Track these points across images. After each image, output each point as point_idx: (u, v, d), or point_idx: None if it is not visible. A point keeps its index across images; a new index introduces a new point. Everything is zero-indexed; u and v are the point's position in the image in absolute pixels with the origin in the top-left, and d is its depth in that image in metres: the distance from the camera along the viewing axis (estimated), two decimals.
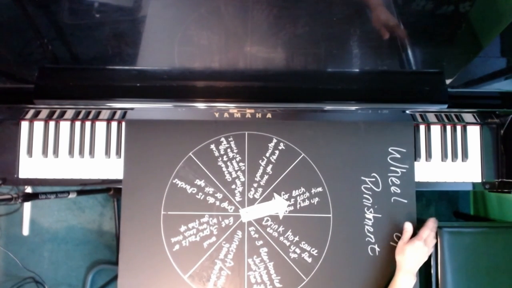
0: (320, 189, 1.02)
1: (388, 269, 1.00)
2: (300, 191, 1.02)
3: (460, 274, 1.18)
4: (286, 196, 1.02)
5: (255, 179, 1.03)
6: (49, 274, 1.80)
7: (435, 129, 1.10)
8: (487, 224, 1.27)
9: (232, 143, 1.04)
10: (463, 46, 0.83)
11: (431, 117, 1.06)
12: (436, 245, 1.20)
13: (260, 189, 1.03)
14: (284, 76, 0.89)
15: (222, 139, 1.04)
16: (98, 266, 1.78)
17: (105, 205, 1.82)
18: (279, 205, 1.02)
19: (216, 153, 1.04)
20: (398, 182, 1.02)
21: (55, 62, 0.87)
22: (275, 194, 1.02)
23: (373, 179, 1.02)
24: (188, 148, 1.04)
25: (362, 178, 1.02)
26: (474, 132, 1.11)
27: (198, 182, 1.03)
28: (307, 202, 1.02)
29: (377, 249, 1.01)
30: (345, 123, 1.04)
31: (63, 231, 1.81)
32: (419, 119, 1.08)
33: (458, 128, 1.10)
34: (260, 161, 1.03)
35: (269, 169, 1.03)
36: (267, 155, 1.03)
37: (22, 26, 0.79)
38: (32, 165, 1.08)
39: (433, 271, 1.19)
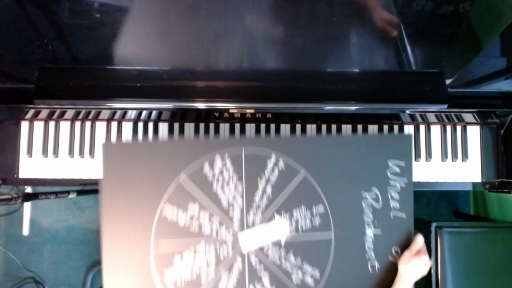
0: (321, 207, 0.98)
1: (387, 285, 0.97)
2: (301, 210, 0.96)
3: (460, 274, 1.18)
4: (287, 215, 0.96)
5: (254, 198, 0.95)
6: (49, 274, 1.80)
7: (435, 129, 1.10)
8: (487, 224, 1.27)
9: (228, 160, 0.94)
10: (463, 46, 0.83)
11: (431, 117, 1.06)
12: (436, 245, 1.20)
13: (259, 211, 0.95)
14: (284, 76, 0.89)
15: (217, 155, 0.94)
16: (98, 266, 1.78)
17: None
18: (280, 227, 0.95)
19: (210, 174, 0.94)
20: (397, 196, 0.99)
21: (55, 62, 0.87)
22: (275, 215, 0.95)
23: (373, 194, 0.99)
24: (179, 169, 0.93)
25: (363, 193, 0.99)
26: (474, 132, 1.10)
27: (191, 206, 0.93)
28: (308, 222, 0.97)
29: (377, 266, 0.98)
30: (345, 137, 1.02)
31: (63, 231, 1.81)
32: (419, 119, 1.08)
33: (458, 128, 1.10)
34: (258, 179, 0.95)
35: (268, 187, 0.96)
36: (266, 172, 0.96)
37: (22, 26, 0.79)
38: (32, 165, 1.07)
39: (433, 271, 1.19)
